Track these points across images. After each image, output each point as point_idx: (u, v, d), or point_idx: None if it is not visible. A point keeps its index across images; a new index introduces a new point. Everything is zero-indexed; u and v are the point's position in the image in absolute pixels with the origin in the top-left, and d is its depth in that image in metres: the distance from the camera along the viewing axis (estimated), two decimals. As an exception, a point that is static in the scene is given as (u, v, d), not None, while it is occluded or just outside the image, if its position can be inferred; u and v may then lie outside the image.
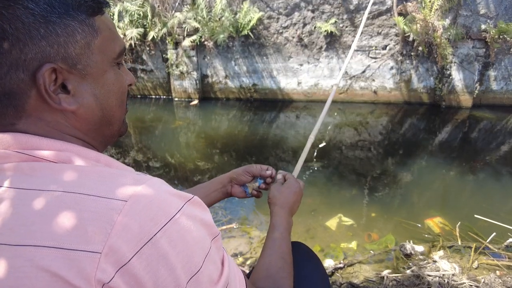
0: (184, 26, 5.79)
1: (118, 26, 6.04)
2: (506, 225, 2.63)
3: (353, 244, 2.41)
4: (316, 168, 4.08)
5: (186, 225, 0.45)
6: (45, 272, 0.39)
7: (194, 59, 6.08)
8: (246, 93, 6.39)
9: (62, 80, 0.49)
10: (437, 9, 5.25)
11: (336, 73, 6.04)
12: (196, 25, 5.73)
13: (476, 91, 5.78)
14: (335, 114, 5.87)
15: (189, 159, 4.44)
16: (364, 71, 5.94)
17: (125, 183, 0.45)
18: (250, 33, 5.77)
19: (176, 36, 5.94)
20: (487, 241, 2.51)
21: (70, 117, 0.51)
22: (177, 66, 6.12)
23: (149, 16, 5.95)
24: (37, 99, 0.48)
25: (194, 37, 5.79)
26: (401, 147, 4.93)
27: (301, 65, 6.05)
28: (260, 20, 5.79)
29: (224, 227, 2.62)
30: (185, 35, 5.87)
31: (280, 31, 5.88)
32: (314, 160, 4.20)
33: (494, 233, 2.56)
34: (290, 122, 5.81)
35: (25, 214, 0.42)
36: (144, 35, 6.08)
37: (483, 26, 5.42)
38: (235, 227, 2.60)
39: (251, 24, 5.67)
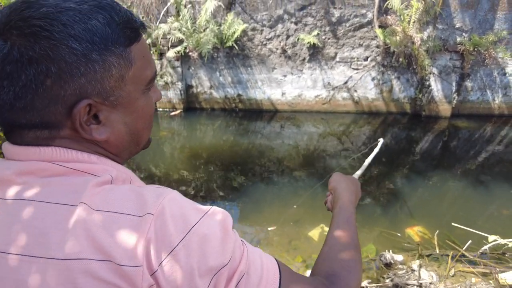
0: (168, 37, 5.82)
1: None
2: (481, 232, 2.70)
3: (335, 255, 2.45)
4: (299, 178, 4.13)
5: (204, 237, 0.49)
6: (98, 281, 0.43)
7: (179, 69, 6.10)
8: (231, 103, 6.43)
9: (95, 111, 0.51)
10: (415, 22, 5.43)
11: (320, 84, 6.14)
12: (181, 36, 5.76)
13: (454, 101, 5.97)
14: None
15: (174, 169, 4.43)
16: (346, 82, 6.06)
17: (149, 199, 0.48)
18: (234, 45, 5.83)
19: (161, 47, 5.96)
20: (463, 248, 2.58)
21: (101, 143, 0.54)
22: (161, 77, 6.13)
23: (134, 27, 5.96)
24: (71, 128, 0.51)
25: (178, 48, 5.81)
26: (383, 156, 5.04)
27: (285, 76, 6.14)
28: (244, 31, 5.86)
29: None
30: (169, 46, 5.89)
31: (264, 42, 5.97)
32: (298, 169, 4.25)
33: (470, 241, 2.63)
34: (275, 132, 5.87)
35: (68, 229, 0.45)
36: (129, 45, 6.07)
37: (458, 39, 5.62)
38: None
39: (235, 35, 5.74)
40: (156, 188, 0.51)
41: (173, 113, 6.29)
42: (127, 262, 0.44)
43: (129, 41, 0.51)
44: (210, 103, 6.47)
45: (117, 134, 0.54)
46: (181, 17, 5.81)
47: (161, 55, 6.03)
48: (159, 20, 5.94)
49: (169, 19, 5.87)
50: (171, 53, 5.84)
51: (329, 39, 5.84)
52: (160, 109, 6.42)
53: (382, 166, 4.64)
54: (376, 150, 1.21)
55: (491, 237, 2.54)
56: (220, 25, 5.85)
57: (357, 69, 5.97)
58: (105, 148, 0.55)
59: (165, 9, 5.85)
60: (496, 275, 2.30)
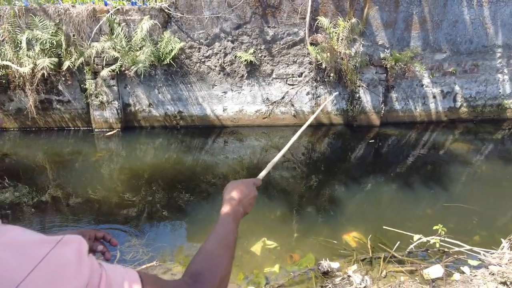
0: (102, 55, 5.63)
1: (27, 55, 5.65)
2: (409, 233, 2.94)
3: (276, 268, 2.51)
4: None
5: (56, 267, 0.47)
6: None
7: (115, 88, 5.91)
8: (172, 120, 6.35)
9: None
10: (343, 40, 5.84)
11: (259, 100, 6.32)
12: (116, 54, 5.60)
13: (382, 111, 6.47)
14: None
15: (114, 192, 4.24)
16: (283, 97, 6.31)
17: None
18: (172, 62, 5.80)
19: (95, 65, 5.73)
20: (393, 250, 2.79)
21: None
22: (96, 96, 5.88)
23: (64, 45, 5.67)
24: None
25: (113, 66, 5.64)
26: (320, 166, 5.29)
27: (225, 92, 6.23)
28: (182, 49, 5.86)
29: (145, 266, 2.55)
30: (104, 65, 5.70)
31: (203, 60, 6.01)
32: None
33: (399, 242, 2.85)
34: (219, 147, 5.89)
35: None
36: (59, 64, 5.76)
37: (382, 55, 6.14)
38: (156, 264, 2.55)
39: (173, 53, 5.71)
40: None
41: (109, 133, 6.04)
42: None
43: None
44: (150, 121, 6.33)
45: None
46: (115, 35, 5.66)
47: (95, 74, 5.80)
48: (91, 39, 5.72)
49: (102, 38, 5.69)
50: (105, 72, 5.64)
51: (265, 56, 6.05)
52: (97, 130, 6.14)
53: (320, 175, 4.87)
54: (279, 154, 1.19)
55: (416, 236, 2.78)
56: (156, 43, 5.80)
57: (292, 84, 6.25)
58: None
59: (97, 27, 5.66)
60: (421, 271, 2.52)
